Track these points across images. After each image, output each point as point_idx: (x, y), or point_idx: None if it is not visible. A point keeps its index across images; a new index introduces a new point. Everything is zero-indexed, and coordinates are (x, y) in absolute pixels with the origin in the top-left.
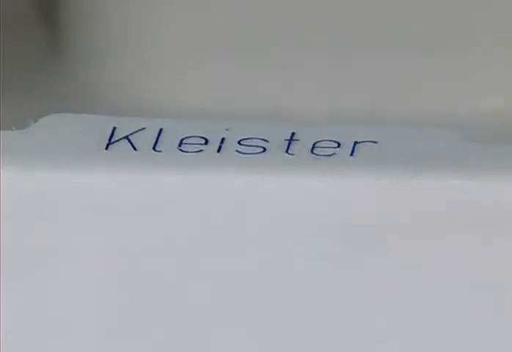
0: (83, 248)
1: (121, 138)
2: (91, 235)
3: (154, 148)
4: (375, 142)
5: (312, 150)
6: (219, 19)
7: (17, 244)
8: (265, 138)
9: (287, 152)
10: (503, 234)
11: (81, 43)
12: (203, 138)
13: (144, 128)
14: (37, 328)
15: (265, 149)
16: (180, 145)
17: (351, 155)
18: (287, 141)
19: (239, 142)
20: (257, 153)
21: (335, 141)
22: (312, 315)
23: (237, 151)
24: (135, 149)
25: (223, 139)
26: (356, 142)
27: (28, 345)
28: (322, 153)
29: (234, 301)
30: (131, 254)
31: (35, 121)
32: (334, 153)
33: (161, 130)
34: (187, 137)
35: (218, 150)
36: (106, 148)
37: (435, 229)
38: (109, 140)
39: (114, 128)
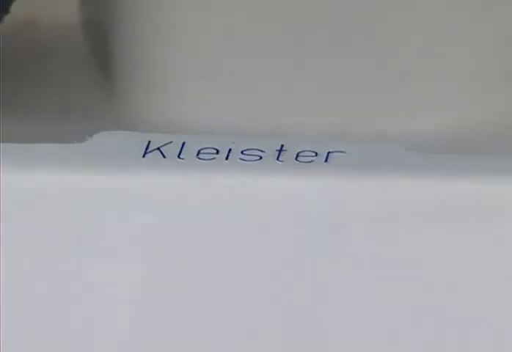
0: (121, 236)
1: (154, 149)
2: (129, 223)
3: (179, 156)
4: (343, 152)
5: (296, 158)
6: (235, 61)
7: (71, 230)
8: (262, 149)
9: (277, 159)
10: (451, 226)
11: (126, 80)
12: (215, 149)
13: (171, 142)
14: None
15: (261, 157)
16: (198, 154)
17: (326, 161)
18: (278, 152)
19: (242, 152)
20: (255, 160)
21: (313, 152)
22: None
23: (240, 159)
24: (164, 157)
25: (230, 150)
26: (329, 152)
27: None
28: (304, 160)
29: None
30: (162, 242)
31: (92, 136)
32: (313, 160)
33: (183, 143)
34: (203, 148)
35: (227, 158)
36: (143, 156)
37: (393, 219)
38: (145, 150)
39: (149, 142)
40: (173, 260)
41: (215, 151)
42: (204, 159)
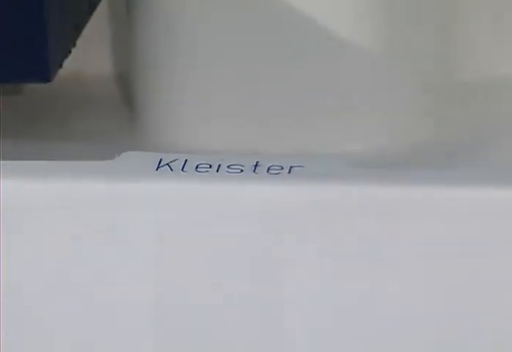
0: (136, 235)
1: (164, 165)
2: (141, 224)
3: (182, 170)
4: (302, 166)
5: (267, 171)
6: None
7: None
8: (242, 164)
9: (254, 172)
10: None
11: (145, 115)
12: (209, 164)
13: (176, 159)
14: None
15: (242, 170)
16: (196, 168)
17: (289, 173)
18: (254, 166)
19: (228, 166)
20: (237, 173)
21: (280, 166)
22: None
23: (226, 171)
24: (171, 170)
25: (219, 165)
26: (291, 166)
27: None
28: (273, 172)
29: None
30: (171, 240)
31: (118, 155)
32: (279, 172)
33: (186, 160)
34: (200, 164)
35: (217, 171)
36: (156, 170)
37: (340, 218)
38: (158, 165)
39: (160, 159)
40: (180, 256)
41: (208, 166)
42: (200, 172)
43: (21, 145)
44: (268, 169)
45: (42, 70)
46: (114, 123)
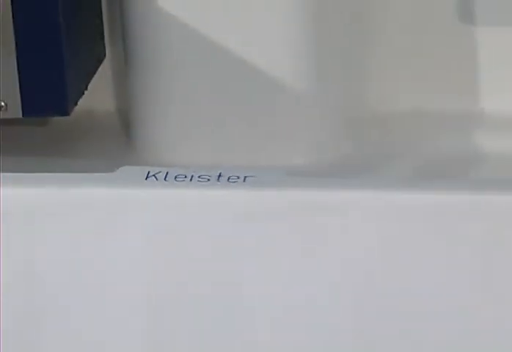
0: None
1: (151, 175)
2: (133, 219)
3: (165, 179)
4: (254, 176)
5: (228, 180)
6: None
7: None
8: (209, 175)
9: (217, 180)
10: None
11: (140, 142)
12: (184, 175)
13: (160, 171)
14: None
15: (209, 180)
16: (175, 178)
17: (244, 181)
18: (218, 176)
19: (199, 177)
20: (205, 181)
21: (237, 176)
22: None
23: (197, 180)
24: (157, 179)
25: (192, 176)
26: (246, 176)
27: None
28: (232, 181)
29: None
30: (163, 239)
31: (117, 169)
32: (237, 181)
33: (167, 172)
34: (178, 175)
35: (190, 180)
36: (146, 179)
37: (282, 216)
38: (146, 176)
39: (149, 172)
40: (165, 246)
41: (184, 176)
42: (178, 181)
43: (44, 161)
44: (228, 178)
45: (62, 106)
46: (115, 146)
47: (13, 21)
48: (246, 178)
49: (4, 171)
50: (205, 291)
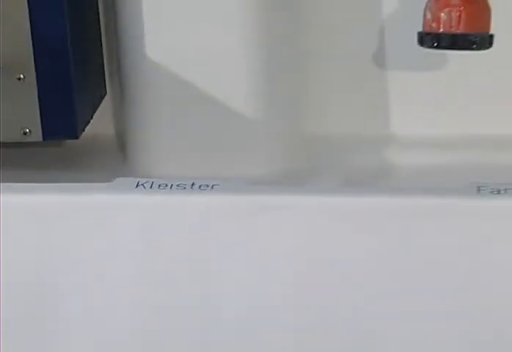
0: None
1: (140, 185)
2: (125, 218)
3: (150, 187)
4: (219, 185)
5: (199, 187)
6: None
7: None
8: (185, 183)
9: (191, 188)
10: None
11: (133, 159)
12: (166, 184)
13: (147, 181)
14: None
15: (185, 188)
16: (158, 187)
17: (212, 189)
18: (192, 185)
19: (177, 185)
20: (182, 189)
21: (207, 185)
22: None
23: (176, 188)
24: (144, 188)
25: (172, 185)
26: (213, 184)
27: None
28: (203, 189)
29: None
30: (155, 241)
31: (114, 179)
32: (206, 189)
33: (152, 182)
34: (161, 184)
35: (170, 188)
36: (135, 187)
37: (243, 215)
38: (136, 185)
39: (138, 182)
40: (154, 239)
41: (165, 185)
42: (160, 189)
43: (56, 174)
44: (200, 186)
45: (72, 132)
46: (113, 162)
47: (35, 65)
48: (214, 186)
49: (23, 181)
50: (179, 272)
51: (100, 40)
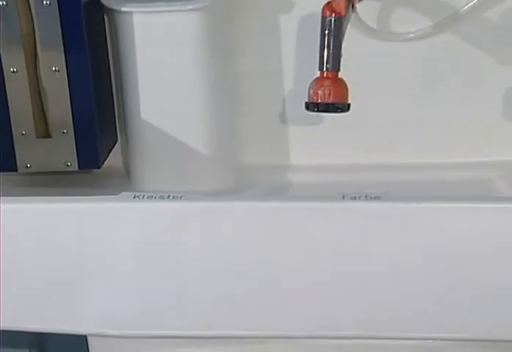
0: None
1: (135, 196)
2: (123, 219)
3: (142, 198)
4: (184, 196)
5: (173, 198)
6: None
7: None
8: (164, 195)
9: (167, 197)
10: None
11: (136, 177)
12: (152, 196)
13: (140, 194)
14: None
15: (163, 197)
16: (147, 197)
17: (180, 198)
18: (168, 196)
19: (158, 196)
20: (162, 198)
21: (177, 196)
22: None
23: (158, 198)
24: (138, 198)
25: (156, 196)
26: (180, 196)
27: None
28: (175, 197)
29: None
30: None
31: (119, 193)
32: (176, 197)
33: (144, 195)
34: (149, 196)
35: (155, 198)
36: (133, 198)
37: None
38: (133, 196)
39: (134, 194)
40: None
41: (151, 196)
42: (149, 199)
43: (80, 190)
44: (174, 197)
45: (97, 164)
46: (121, 182)
47: (73, 123)
48: (181, 196)
49: (62, 195)
50: (163, 256)
51: (113, 105)
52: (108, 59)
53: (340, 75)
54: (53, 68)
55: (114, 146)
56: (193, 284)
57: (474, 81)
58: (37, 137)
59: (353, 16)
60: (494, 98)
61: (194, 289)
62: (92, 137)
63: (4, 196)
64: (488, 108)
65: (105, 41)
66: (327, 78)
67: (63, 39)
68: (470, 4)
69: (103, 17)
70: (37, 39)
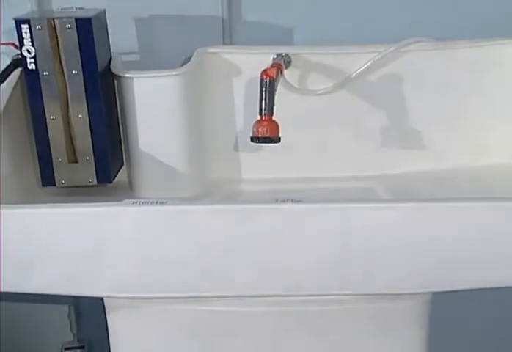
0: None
1: (135, 202)
2: (126, 219)
3: (139, 203)
4: (168, 200)
5: (161, 203)
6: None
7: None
8: (154, 201)
9: (157, 203)
10: None
11: (136, 187)
12: (147, 201)
13: (138, 201)
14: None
15: (152, 203)
16: (143, 203)
17: (166, 202)
18: (157, 202)
19: (154, 202)
20: (154, 203)
21: (164, 201)
22: None
23: (151, 203)
24: (136, 204)
25: (151, 202)
26: (166, 201)
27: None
28: (163, 202)
29: None
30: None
31: (123, 200)
32: (164, 202)
33: (140, 201)
34: (144, 201)
35: (149, 203)
36: (132, 203)
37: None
38: (133, 202)
39: (133, 201)
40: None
41: (147, 202)
42: (144, 203)
43: (97, 198)
44: (162, 202)
45: (109, 179)
46: (125, 192)
47: (93, 152)
48: (167, 201)
49: (83, 202)
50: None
51: (120, 140)
52: (117, 108)
53: (274, 117)
54: (79, 115)
55: (121, 167)
56: (175, 260)
57: (351, 124)
58: (68, 162)
59: (281, 79)
60: (372, 134)
61: (177, 263)
62: (106, 162)
63: (48, 203)
64: (369, 139)
65: (115, 96)
66: (265, 120)
67: (86, 96)
68: (358, 71)
69: (114, 80)
70: (69, 96)
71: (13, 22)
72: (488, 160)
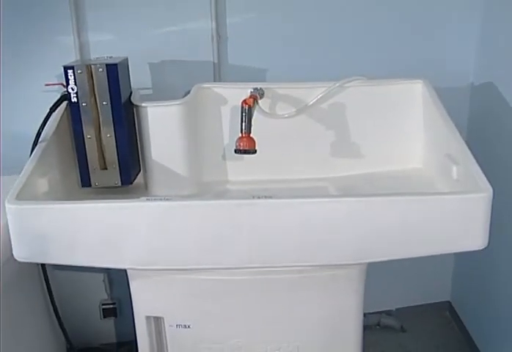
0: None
1: (147, 199)
2: (140, 212)
3: (151, 200)
4: (171, 197)
5: (164, 199)
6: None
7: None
8: (160, 198)
9: (161, 200)
10: None
11: (149, 187)
12: (155, 198)
13: (151, 198)
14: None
15: (160, 199)
16: (154, 200)
17: (169, 198)
18: (162, 199)
19: (161, 199)
20: (159, 199)
21: (165, 198)
22: None
23: (159, 199)
24: (149, 200)
25: (158, 199)
26: (168, 197)
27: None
28: (166, 199)
29: None
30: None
31: (139, 197)
32: (167, 199)
33: (151, 198)
34: (154, 198)
35: (157, 200)
36: (146, 199)
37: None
38: (147, 199)
39: (147, 198)
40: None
41: (155, 198)
42: (155, 199)
43: (119, 196)
44: (167, 198)
45: (129, 182)
46: (141, 191)
47: (118, 161)
48: (172, 198)
49: (110, 198)
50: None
51: (138, 152)
52: (135, 129)
53: (251, 135)
54: (108, 135)
55: (138, 173)
56: (179, 242)
57: (309, 139)
58: (100, 169)
59: (257, 106)
60: (325, 147)
61: (180, 244)
62: (127, 169)
63: (85, 200)
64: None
65: (134, 120)
66: (244, 136)
67: (113, 120)
68: (313, 101)
69: (133, 108)
70: (100, 121)
71: (62, 68)
72: (408, 165)
